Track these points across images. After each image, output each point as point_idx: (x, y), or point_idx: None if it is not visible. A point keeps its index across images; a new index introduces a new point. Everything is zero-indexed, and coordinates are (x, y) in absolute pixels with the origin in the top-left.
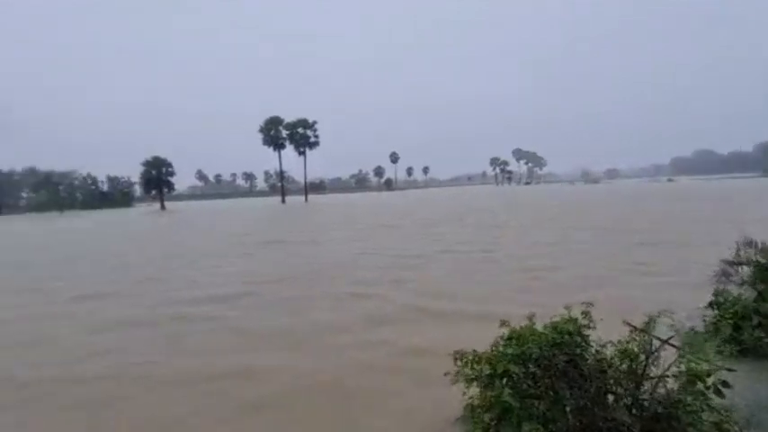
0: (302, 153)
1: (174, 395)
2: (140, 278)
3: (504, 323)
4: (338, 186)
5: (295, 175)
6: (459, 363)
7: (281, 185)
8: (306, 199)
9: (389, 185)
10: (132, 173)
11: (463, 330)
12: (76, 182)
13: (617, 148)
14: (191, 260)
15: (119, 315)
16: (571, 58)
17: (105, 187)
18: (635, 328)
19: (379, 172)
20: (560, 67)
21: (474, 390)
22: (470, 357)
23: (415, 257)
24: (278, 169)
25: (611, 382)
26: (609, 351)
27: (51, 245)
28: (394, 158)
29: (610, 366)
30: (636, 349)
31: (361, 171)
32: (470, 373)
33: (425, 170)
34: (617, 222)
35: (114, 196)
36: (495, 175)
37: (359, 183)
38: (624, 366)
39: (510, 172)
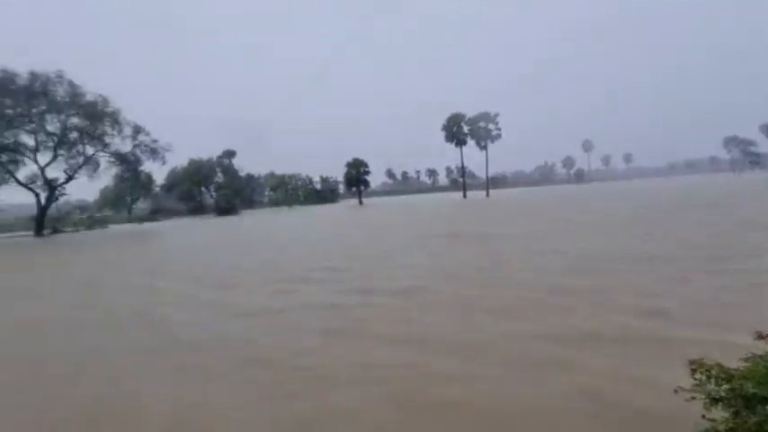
0: (483, 147)
1: (333, 384)
2: (333, 266)
3: (761, 336)
4: (521, 180)
5: (474, 169)
6: (698, 375)
7: (462, 181)
8: (487, 194)
9: (580, 177)
10: (336, 173)
11: (680, 357)
12: (299, 182)
13: None
14: (381, 252)
15: (317, 299)
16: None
17: (318, 186)
18: None
19: (568, 163)
20: None
21: (718, 413)
22: (715, 372)
23: (611, 260)
24: (458, 164)
25: None
26: None
27: (272, 237)
28: (587, 147)
29: None
30: None
31: (546, 163)
32: (716, 390)
33: (627, 158)
34: None
35: (325, 193)
36: (732, 159)
37: (544, 175)
38: None
39: (757, 155)
